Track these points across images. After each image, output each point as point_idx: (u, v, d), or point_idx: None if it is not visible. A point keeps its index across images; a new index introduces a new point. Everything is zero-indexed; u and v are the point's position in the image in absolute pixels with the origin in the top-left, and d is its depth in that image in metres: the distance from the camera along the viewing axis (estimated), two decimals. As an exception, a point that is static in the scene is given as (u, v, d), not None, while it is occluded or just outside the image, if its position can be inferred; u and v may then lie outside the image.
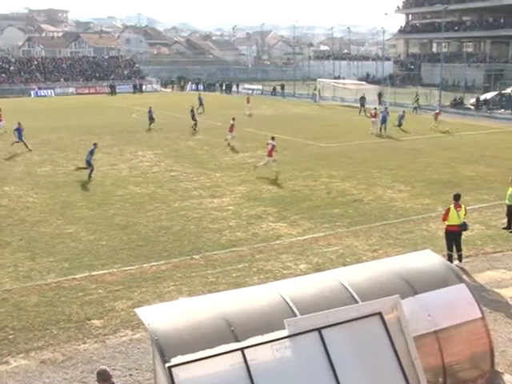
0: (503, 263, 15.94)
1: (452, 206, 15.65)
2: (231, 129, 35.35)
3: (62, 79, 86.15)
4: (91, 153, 26.91)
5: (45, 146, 34.91)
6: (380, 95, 60.96)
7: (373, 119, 41.25)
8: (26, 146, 33.12)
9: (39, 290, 14.25)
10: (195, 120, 42.27)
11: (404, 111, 43.41)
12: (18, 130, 33.27)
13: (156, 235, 18.31)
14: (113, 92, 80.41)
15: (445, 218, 15.75)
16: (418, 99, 58.40)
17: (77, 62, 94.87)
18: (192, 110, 42.98)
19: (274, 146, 27.08)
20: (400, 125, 41.53)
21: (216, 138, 37.66)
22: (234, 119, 36.25)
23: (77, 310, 13.13)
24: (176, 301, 11.33)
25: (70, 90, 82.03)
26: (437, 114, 43.52)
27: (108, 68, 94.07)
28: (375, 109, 43.92)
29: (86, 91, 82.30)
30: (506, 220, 18.85)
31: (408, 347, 8.08)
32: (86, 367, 10.81)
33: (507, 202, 18.71)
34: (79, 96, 77.96)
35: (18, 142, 33.07)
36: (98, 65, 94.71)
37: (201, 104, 53.79)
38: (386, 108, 42.24)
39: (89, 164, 26.66)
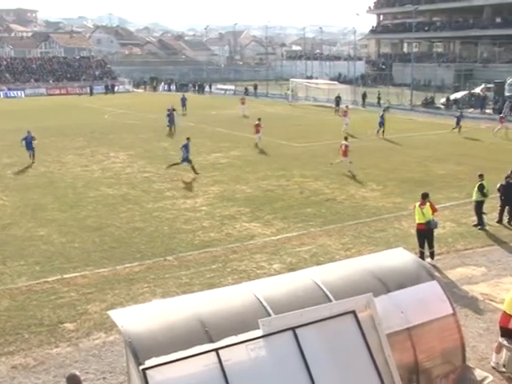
0: (473, 260, 16.17)
1: (417, 204, 15.87)
2: (257, 129, 34.65)
3: (32, 80, 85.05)
4: (185, 147, 26.88)
5: (14, 148, 34.37)
6: (364, 96, 60.47)
7: (344, 118, 41.49)
8: None
9: (10, 293, 14.05)
10: (173, 122, 41.44)
11: (384, 110, 42.79)
12: None
13: (129, 237, 18.19)
14: (110, 91, 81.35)
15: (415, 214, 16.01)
16: (380, 97, 59.16)
17: (47, 62, 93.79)
18: (169, 110, 41.92)
19: (347, 147, 27.27)
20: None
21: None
22: (259, 119, 35.51)
23: (49, 313, 12.98)
24: (150, 302, 11.25)
25: (41, 90, 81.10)
26: (502, 120, 41.08)
27: (79, 68, 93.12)
28: (346, 107, 44.16)
29: (57, 92, 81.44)
30: (476, 217, 19.13)
31: (381, 345, 8.14)
32: (59, 371, 10.68)
33: (474, 198, 19.02)
34: (50, 97, 77.05)
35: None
36: (69, 65, 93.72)
37: (184, 105, 52.47)
38: (383, 110, 41.31)
39: (187, 160, 26.71)
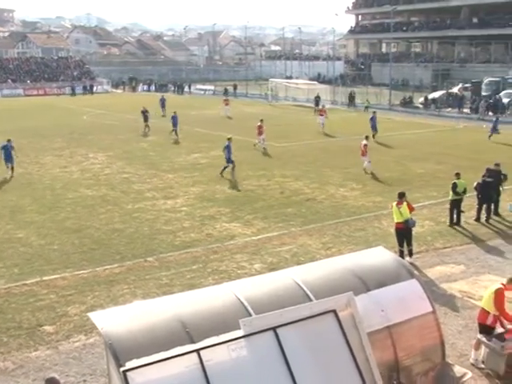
0: (452, 258, 16.33)
1: (394, 203, 16.00)
2: (260, 131, 33.52)
3: (9, 80, 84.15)
4: (228, 148, 26.58)
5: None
6: (351, 97, 59.79)
7: (320, 118, 41.54)
8: None
9: (-12, 296, 13.90)
10: (147, 122, 41.44)
11: (374, 112, 39.66)
12: None
13: (109, 238, 18.08)
14: (89, 91, 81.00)
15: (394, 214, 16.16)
16: (353, 97, 59.32)
17: (24, 62, 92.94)
18: (144, 111, 41.95)
19: (366, 146, 27.38)
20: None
21: (169, 140, 37.44)
22: (262, 121, 34.14)
23: (28, 316, 12.85)
24: (130, 304, 11.20)
25: (18, 91, 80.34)
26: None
27: (57, 69, 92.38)
28: (323, 106, 44.26)
29: (35, 92, 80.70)
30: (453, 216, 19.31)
31: (362, 343, 8.18)
32: (38, 375, 10.58)
33: (449, 197, 19.20)
34: (28, 97, 76.31)
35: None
36: (47, 65, 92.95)
37: (163, 106, 51.24)
38: (374, 112, 38.94)
39: (229, 161, 26.52)
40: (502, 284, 10.74)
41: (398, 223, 15.94)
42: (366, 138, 28.25)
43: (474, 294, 13.78)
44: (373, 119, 37.64)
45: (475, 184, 19.69)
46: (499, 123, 37.93)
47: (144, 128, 41.23)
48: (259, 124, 33.68)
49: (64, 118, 50.80)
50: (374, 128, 37.14)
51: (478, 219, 19.61)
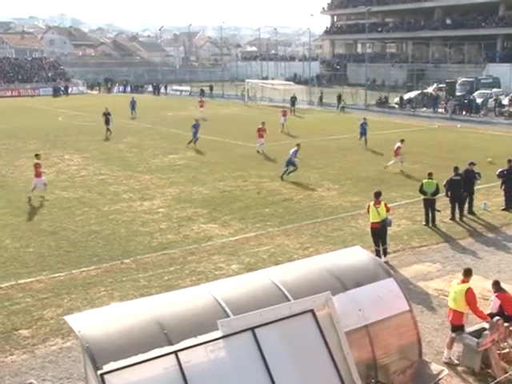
0: (429, 256, 16.49)
1: (371, 203, 16.12)
2: (260, 134, 32.33)
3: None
4: (295, 153, 26.26)
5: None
6: (340, 98, 57.99)
7: (282, 118, 41.58)
8: None
9: (-38, 301, 13.69)
10: (108, 126, 39.66)
11: (365, 118, 36.59)
12: None
13: (85, 240, 17.94)
14: (63, 93, 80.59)
15: (368, 213, 16.30)
16: (321, 96, 59.44)
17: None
18: (106, 114, 40.13)
19: (399, 148, 27.47)
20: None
21: (146, 141, 37.26)
22: (263, 123, 33.08)
23: (3, 320, 12.70)
24: (107, 306, 11.12)
25: (-9, 92, 79.20)
26: None
27: (31, 70, 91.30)
28: (283, 107, 43.81)
29: (9, 94, 79.62)
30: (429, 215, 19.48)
31: (340, 342, 8.24)
32: (14, 380, 10.47)
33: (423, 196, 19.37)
34: (1, 99, 75.27)
35: None
36: (21, 67, 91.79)
37: (133, 108, 50.63)
38: (364, 118, 36.32)
39: (293, 164, 26.14)
40: (464, 281, 10.87)
41: (374, 223, 16.05)
42: (401, 141, 28.11)
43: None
44: (362, 125, 35.25)
45: (444, 182, 19.92)
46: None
47: (106, 132, 39.62)
48: (260, 127, 32.68)
49: (39, 119, 50.24)
50: (363, 134, 35.00)
51: (452, 218, 19.83)
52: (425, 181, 19.35)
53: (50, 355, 11.30)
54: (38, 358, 11.22)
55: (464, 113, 50.92)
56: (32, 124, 46.13)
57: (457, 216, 19.89)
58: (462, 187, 19.90)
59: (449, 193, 19.86)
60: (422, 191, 19.41)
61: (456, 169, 20.05)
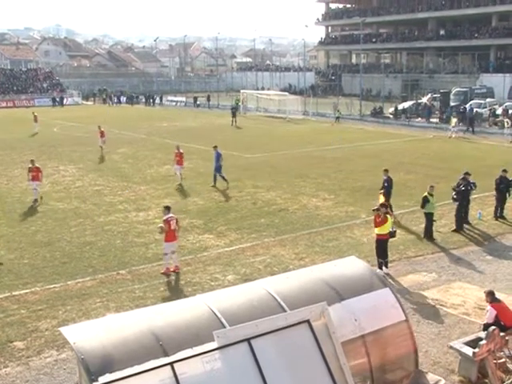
0: (424, 266, 16.50)
1: (388, 216, 15.97)
2: (178, 161, 27.92)
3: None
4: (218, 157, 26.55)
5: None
6: (336, 108, 58.11)
7: (100, 139, 37.63)
8: None
9: (-44, 312, 13.61)
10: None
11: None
12: None
13: (80, 251, 17.88)
14: (58, 104, 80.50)
15: (379, 225, 15.93)
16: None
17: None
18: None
19: None
20: None
21: (141, 151, 37.25)
22: (178, 147, 28.27)
23: (-3, 332, 12.63)
24: (102, 317, 11.08)
25: (-14, 103, 79.10)
26: None
27: (26, 81, 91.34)
28: (99, 127, 38.56)
29: (4, 105, 79.56)
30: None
31: (336, 353, 8.21)
32: (9, 391, 10.41)
33: (427, 210, 19.12)
34: (-4, 110, 75.29)
35: None
36: (16, 77, 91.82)
37: (35, 121, 47.49)
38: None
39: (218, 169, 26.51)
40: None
41: (384, 235, 15.94)
42: None
43: (446, 302, 13.94)
44: None
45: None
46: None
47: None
48: (176, 151, 28.08)
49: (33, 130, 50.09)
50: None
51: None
52: (430, 197, 18.85)
53: (44, 367, 11.23)
54: (32, 370, 11.15)
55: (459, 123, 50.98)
56: (27, 135, 46.03)
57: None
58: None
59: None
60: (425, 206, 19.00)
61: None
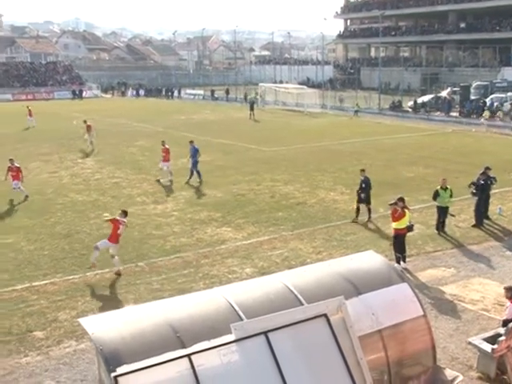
0: (443, 261, 16.39)
1: (405, 210, 15.89)
2: (165, 157, 27.17)
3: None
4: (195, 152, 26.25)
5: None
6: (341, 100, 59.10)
7: (87, 134, 36.27)
8: None
9: (-23, 303, 13.79)
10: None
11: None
12: None
13: (99, 243, 17.98)
14: (77, 97, 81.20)
15: (397, 219, 15.88)
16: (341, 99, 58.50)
17: (13, 67, 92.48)
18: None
19: None
20: None
21: (158, 144, 37.30)
22: (164, 142, 27.65)
23: (18, 322, 12.77)
24: (120, 309, 11.16)
25: (7, 96, 79.67)
26: None
27: (46, 74, 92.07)
28: (85, 121, 37.39)
29: (24, 97, 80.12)
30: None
31: (353, 347, 8.19)
32: (29, 381, 10.54)
33: (438, 203, 19.05)
34: (16, 102, 75.75)
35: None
36: (36, 70, 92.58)
37: (30, 115, 46.47)
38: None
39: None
40: None
41: (401, 229, 15.84)
42: None
43: (465, 298, 13.85)
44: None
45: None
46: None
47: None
48: (163, 147, 27.45)
49: (53, 123, 50.43)
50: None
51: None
52: (441, 190, 18.90)
53: (64, 357, 11.35)
54: (52, 359, 11.27)
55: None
56: (47, 127, 46.34)
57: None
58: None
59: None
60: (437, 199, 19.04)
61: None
